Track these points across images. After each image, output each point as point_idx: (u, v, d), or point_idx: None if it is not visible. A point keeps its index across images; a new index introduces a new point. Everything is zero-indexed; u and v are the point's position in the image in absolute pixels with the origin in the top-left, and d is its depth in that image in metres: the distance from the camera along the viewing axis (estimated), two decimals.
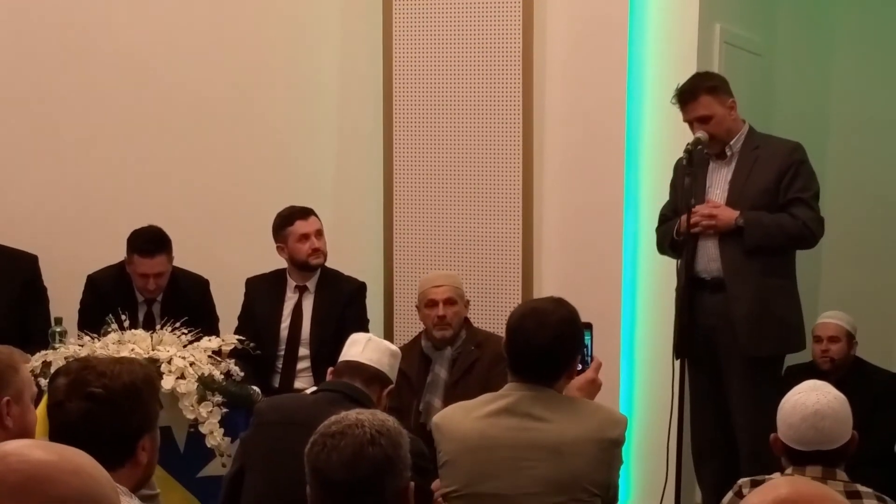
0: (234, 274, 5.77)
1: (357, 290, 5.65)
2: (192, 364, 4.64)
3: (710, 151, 5.17)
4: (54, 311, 5.62)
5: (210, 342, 4.85)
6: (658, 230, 5.30)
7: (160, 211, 5.89)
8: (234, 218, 6.27)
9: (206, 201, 6.30)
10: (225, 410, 4.63)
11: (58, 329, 5.07)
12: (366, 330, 4.97)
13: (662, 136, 5.71)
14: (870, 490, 3.31)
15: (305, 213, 5.56)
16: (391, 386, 3.97)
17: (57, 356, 4.66)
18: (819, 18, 7.25)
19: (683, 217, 5.01)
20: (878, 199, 7.11)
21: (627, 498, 5.51)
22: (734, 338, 5.03)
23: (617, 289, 5.68)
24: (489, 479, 3.43)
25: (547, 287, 5.58)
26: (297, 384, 5.47)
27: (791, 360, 5.48)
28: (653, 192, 5.72)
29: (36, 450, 1.59)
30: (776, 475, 3.28)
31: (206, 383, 4.62)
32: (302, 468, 2.71)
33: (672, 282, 5.02)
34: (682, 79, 5.46)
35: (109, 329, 4.88)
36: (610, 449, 3.44)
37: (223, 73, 6.29)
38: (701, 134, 5.11)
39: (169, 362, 4.62)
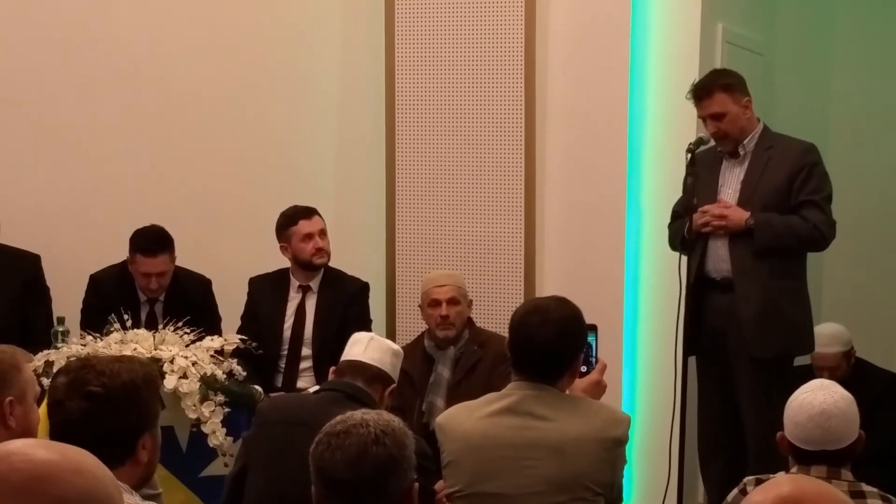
0: (237, 273, 5.78)
1: (360, 289, 5.65)
2: (194, 364, 4.65)
3: (722, 149, 5.16)
4: (57, 311, 5.62)
5: (212, 342, 4.86)
6: (670, 227, 5.30)
7: (162, 210, 5.89)
8: (237, 217, 6.27)
9: (208, 201, 6.30)
10: (227, 410, 4.63)
11: (60, 329, 5.07)
12: (368, 329, 4.96)
13: (664, 136, 5.71)
14: (874, 490, 3.31)
15: (309, 212, 5.56)
16: (393, 385, 3.97)
17: (59, 356, 4.67)
18: (820, 18, 7.24)
19: (694, 216, 5.01)
20: (880, 199, 7.10)
21: (630, 498, 5.51)
22: (742, 338, 5.03)
23: (619, 288, 5.68)
24: (492, 478, 3.43)
25: (549, 286, 5.58)
26: (300, 384, 5.47)
27: (794, 360, 5.47)
28: (655, 191, 5.72)
29: (39, 449, 1.59)
30: (780, 474, 3.28)
31: (208, 383, 4.63)
32: (304, 467, 2.71)
33: (674, 281, 5.02)
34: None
35: (112, 329, 4.89)
36: (613, 448, 3.44)
37: (225, 73, 6.29)
38: (704, 134, 5.11)
39: (171, 362, 4.62)
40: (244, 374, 4.83)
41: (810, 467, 3.30)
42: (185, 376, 4.60)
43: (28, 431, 3.01)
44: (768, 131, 5.20)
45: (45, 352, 4.79)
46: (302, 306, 5.60)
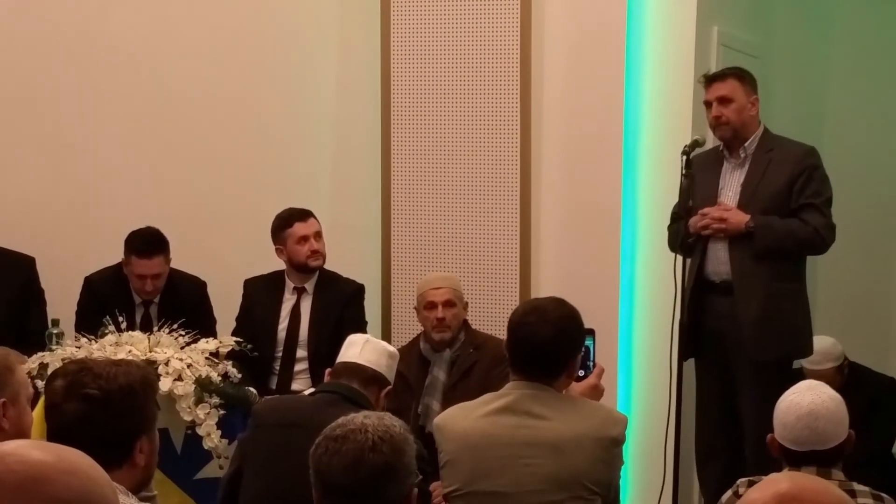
0: (232, 275, 5.77)
1: (355, 291, 5.65)
2: (189, 366, 4.65)
3: (720, 137, 5.15)
4: (52, 313, 5.61)
5: (207, 344, 4.86)
6: (670, 228, 5.30)
7: (158, 212, 5.89)
8: (233, 219, 6.27)
9: (204, 203, 6.29)
10: (222, 412, 4.63)
11: (55, 331, 5.07)
12: (364, 332, 4.96)
13: (660, 139, 5.72)
14: (866, 489, 3.32)
15: (304, 214, 5.56)
16: (389, 387, 3.97)
17: (54, 358, 4.67)
18: (816, 21, 7.25)
19: (690, 221, 5.01)
20: (876, 202, 7.11)
21: (625, 499, 5.51)
22: (742, 341, 5.03)
23: (615, 291, 5.68)
24: (490, 477, 3.44)
25: (545, 289, 5.58)
26: (295, 386, 5.47)
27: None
28: (650, 194, 5.72)
29: (34, 450, 1.59)
30: (772, 475, 3.28)
31: (203, 385, 4.63)
32: (300, 469, 2.71)
33: (670, 284, 5.02)
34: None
35: (107, 331, 4.88)
36: (610, 447, 3.45)
37: (221, 76, 6.29)
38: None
39: (166, 364, 4.62)
40: (239, 376, 4.83)
41: (801, 468, 3.30)
42: (180, 378, 4.60)
43: (22, 433, 3.01)
44: (769, 134, 5.20)
45: (40, 354, 4.79)
46: (297, 308, 5.60)
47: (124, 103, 6.29)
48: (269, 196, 6.02)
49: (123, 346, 4.72)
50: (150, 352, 4.69)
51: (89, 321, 5.26)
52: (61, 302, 5.72)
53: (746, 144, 5.14)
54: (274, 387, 5.47)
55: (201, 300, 5.75)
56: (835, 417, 3.35)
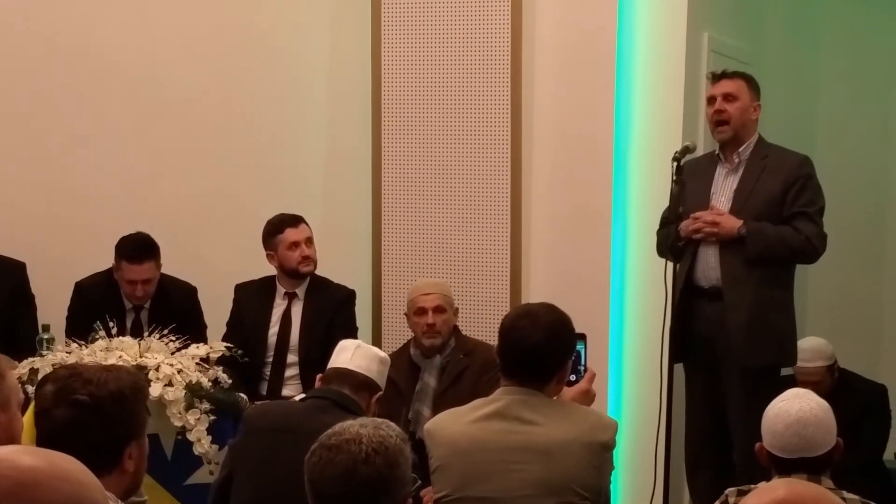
0: (223, 280, 5.77)
1: (346, 297, 5.65)
2: (179, 371, 4.64)
3: (718, 134, 5.15)
4: (42, 319, 5.61)
5: (198, 349, 4.86)
6: (659, 233, 5.30)
7: (148, 217, 5.88)
8: (223, 225, 6.26)
9: (194, 208, 6.29)
10: (213, 418, 4.63)
11: (45, 336, 5.06)
12: (354, 337, 4.96)
13: (650, 144, 5.73)
14: (856, 497, 3.32)
15: (295, 220, 5.56)
16: (380, 393, 3.97)
17: (44, 363, 4.66)
18: (806, 27, 7.27)
19: (682, 224, 5.02)
20: (866, 208, 7.13)
21: None
22: (730, 347, 5.04)
23: (605, 296, 5.69)
24: (480, 482, 3.44)
25: (535, 294, 5.58)
26: (285, 391, 5.46)
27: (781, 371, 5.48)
28: (641, 199, 5.73)
29: (25, 456, 1.59)
30: (762, 484, 3.28)
31: (193, 390, 4.62)
32: (291, 475, 2.71)
33: (660, 288, 5.02)
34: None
35: (97, 336, 4.88)
36: (600, 452, 3.46)
37: (211, 79, 6.29)
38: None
39: (157, 369, 4.62)
40: (230, 381, 4.83)
41: (790, 476, 3.31)
42: (170, 384, 4.59)
43: (12, 439, 2.99)
44: (763, 141, 5.21)
45: (31, 359, 4.78)
46: (288, 313, 5.60)
47: (114, 108, 6.28)
48: (259, 201, 6.01)
49: (114, 351, 4.71)
50: (141, 357, 4.69)
51: (80, 326, 5.25)
52: (52, 307, 5.71)
53: (741, 150, 5.15)
54: (264, 392, 5.47)
55: (192, 306, 5.75)
56: (823, 425, 3.36)
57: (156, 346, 4.80)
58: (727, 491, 3.49)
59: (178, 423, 4.57)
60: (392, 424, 2.73)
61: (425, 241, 5.91)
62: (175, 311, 5.51)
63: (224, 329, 5.62)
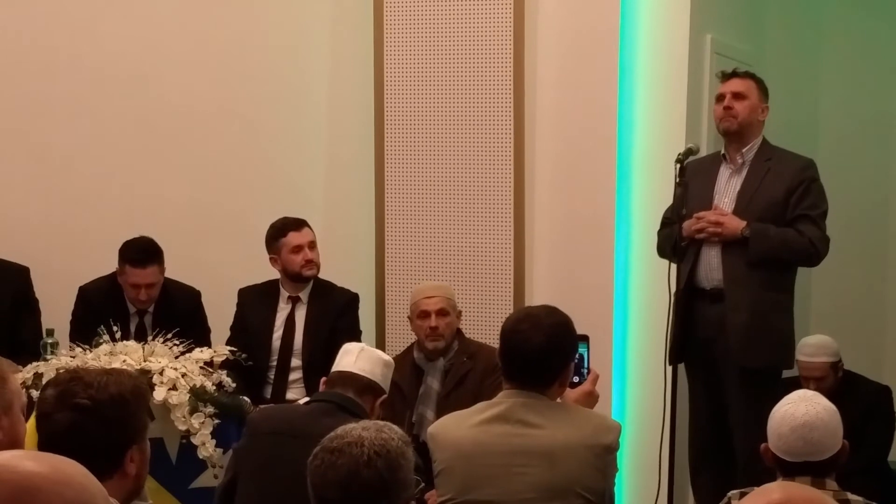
0: (227, 284, 5.77)
1: (350, 301, 5.65)
2: (183, 375, 4.64)
3: (725, 129, 5.16)
4: (46, 323, 5.61)
5: (202, 353, 4.86)
6: (660, 233, 5.31)
7: (152, 222, 5.88)
8: (227, 229, 6.27)
9: (198, 212, 6.29)
10: (217, 421, 4.63)
11: (49, 340, 5.06)
12: (358, 341, 4.96)
13: (653, 146, 5.73)
14: (860, 499, 3.31)
15: (298, 224, 5.56)
16: (384, 396, 3.97)
17: (48, 368, 4.66)
18: (808, 29, 7.27)
19: (685, 224, 5.01)
20: (868, 210, 7.13)
21: None
22: (731, 348, 5.04)
23: (609, 298, 5.68)
24: (483, 485, 3.44)
25: (539, 297, 5.58)
26: (289, 395, 5.47)
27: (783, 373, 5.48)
28: (644, 201, 5.73)
29: (27, 461, 1.59)
30: (764, 486, 3.28)
31: (197, 394, 4.62)
32: (295, 478, 2.72)
33: (663, 290, 5.02)
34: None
35: (101, 340, 4.88)
36: (603, 455, 3.46)
37: (214, 85, 6.30)
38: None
39: (161, 373, 4.62)
40: (234, 385, 4.83)
41: (794, 479, 3.29)
42: (174, 388, 4.60)
43: (15, 443, 3.00)
44: (767, 144, 5.22)
45: (34, 363, 4.78)
46: (291, 317, 5.60)
47: (117, 114, 6.28)
48: (263, 206, 6.02)
49: (118, 355, 4.71)
50: (145, 361, 4.69)
51: (84, 331, 5.26)
52: (56, 312, 5.71)
53: (745, 150, 5.16)
54: (268, 396, 5.47)
55: (196, 309, 5.75)
56: (829, 428, 3.34)
57: (160, 350, 4.81)
58: (730, 494, 3.49)
59: (182, 427, 4.58)
60: (394, 427, 2.73)
61: (428, 245, 5.90)
62: (179, 315, 5.51)
63: (228, 333, 5.61)
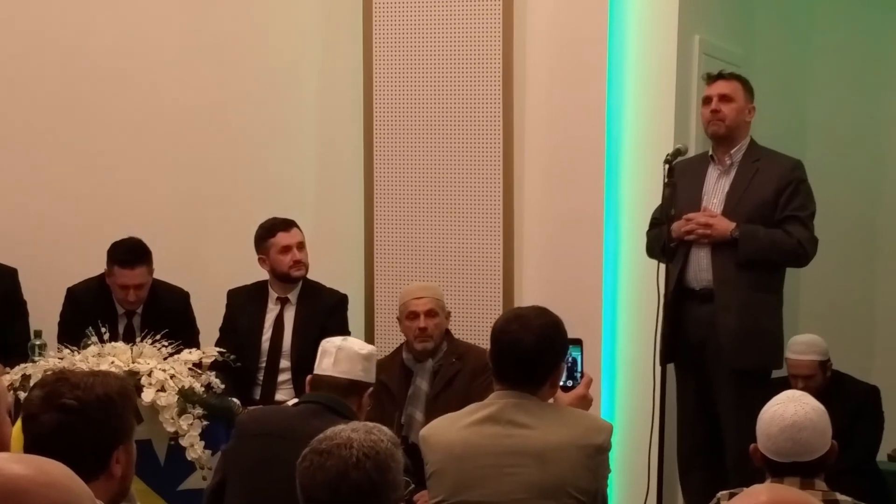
0: (216, 285, 5.77)
1: (338, 302, 5.65)
2: (172, 377, 4.64)
3: (713, 132, 5.17)
4: (34, 325, 5.59)
5: (190, 354, 4.85)
6: (649, 233, 5.31)
7: (141, 222, 5.87)
8: (215, 229, 6.26)
9: (186, 213, 6.28)
10: (205, 423, 4.62)
11: (37, 342, 5.05)
12: None
13: (642, 147, 5.73)
14: (848, 499, 3.32)
15: (287, 224, 5.55)
16: (371, 387, 3.97)
17: (36, 369, 4.65)
18: (797, 30, 7.28)
19: (674, 225, 5.01)
20: (857, 210, 7.14)
21: None
22: (721, 349, 5.05)
23: (598, 299, 5.68)
24: (475, 486, 3.44)
25: (528, 298, 5.58)
26: (278, 396, 5.46)
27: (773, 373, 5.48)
28: (633, 202, 5.73)
29: (12, 463, 1.59)
30: (751, 487, 3.28)
31: (186, 396, 4.62)
32: (284, 480, 2.71)
33: (652, 291, 5.03)
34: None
35: (89, 342, 4.87)
36: (595, 455, 3.46)
37: (203, 84, 6.28)
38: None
39: (149, 375, 4.61)
40: (222, 386, 4.82)
41: (783, 479, 3.30)
42: (162, 389, 4.59)
43: (1, 445, 2.99)
44: (755, 144, 5.23)
45: (22, 365, 4.77)
46: (280, 318, 5.59)
47: (105, 115, 6.27)
48: (251, 206, 6.01)
49: (106, 357, 4.70)
50: (133, 363, 4.68)
51: (72, 332, 5.25)
52: (44, 313, 5.70)
53: (733, 151, 5.17)
54: (257, 397, 5.46)
55: (184, 311, 5.74)
56: (818, 429, 3.35)
57: (148, 351, 4.80)
58: (719, 494, 3.49)
59: (170, 429, 4.57)
60: (384, 429, 2.72)
61: (418, 245, 5.90)
62: (167, 316, 5.50)
63: (217, 334, 5.61)
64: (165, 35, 6.29)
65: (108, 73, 6.27)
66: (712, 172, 5.23)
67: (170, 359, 4.79)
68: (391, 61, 5.88)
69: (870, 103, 7.21)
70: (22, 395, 4.23)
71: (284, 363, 5.54)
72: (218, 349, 5.05)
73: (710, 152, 5.25)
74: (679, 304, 5.11)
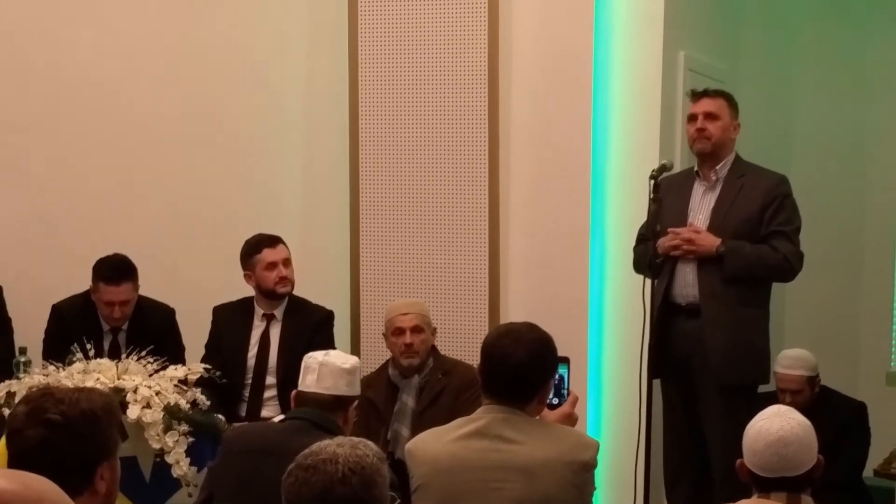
0: (201, 301, 5.75)
1: (324, 318, 5.64)
2: (157, 393, 4.62)
3: (699, 150, 5.18)
4: (19, 341, 5.58)
5: (176, 371, 4.84)
6: (636, 250, 5.32)
7: (126, 238, 5.87)
8: (201, 246, 6.25)
9: (172, 229, 6.28)
10: (191, 440, 4.60)
11: (22, 359, 5.03)
12: None
13: (628, 163, 5.75)
14: None
15: (273, 241, 5.55)
16: (356, 400, 3.96)
17: (21, 386, 4.63)
18: (781, 46, 7.31)
19: (660, 241, 5.02)
20: (842, 224, 7.16)
21: None
22: (708, 364, 5.05)
23: (584, 314, 5.69)
24: (460, 501, 3.43)
25: (514, 313, 5.59)
26: (264, 413, 5.45)
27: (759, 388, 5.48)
28: (618, 218, 5.74)
29: None
30: (742, 502, 3.28)
31: (172, 412, 4.60)
32: (270, 497, 2.70)
33: (639, 306, 5.03)
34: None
35: (74, 358, 4.85)
36: (581, 472, 3.45)
37: (188, 100, 6.29)
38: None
39: (135, 391, 4.59)
40: (208, 403, 4.81)
41: (770, 494, 3.30)
42: (148, 406, 4.57)
43: None
44: (740, 160, 5.25)
45: (7, 382, 4.76)
46: (266, 335, 5.58)
47: (91, 130, 6.27)
48: (237, 222, 6.01)
49: (91, 373, 4.69)
50: (119, 379, 4.67)
51: (57, 349, 5.22)
52: (29, 330, 5.68)
53: (718, 167, 5.19)
54: (243, 414, 5.45)
55: (170, 327, 5.73)
56: (804, 444, 3.35)
57: (133, 367, 4.78)
58: None
59: (156, 446, 4.55)
60: (369, 444, 2.72)
61: (404, 261, 5.91)
62: (153, 332, 5.49)
63: (202, 351, 5.59)
64: (149, 52, 6.29)
65: (91, 88, 6.27)
66: (698, 188, 5.25)
67: (155, 375, 4.78)
68: (377, 77, 5.90)
69: (854, 118, 7.24)
70: (6, 411, 4.21)
71: (270, 379, 5.53)
72: (204, 366, 5.03)
73: (696, 168, 5.27)
74: (665, 320, 5.12)
